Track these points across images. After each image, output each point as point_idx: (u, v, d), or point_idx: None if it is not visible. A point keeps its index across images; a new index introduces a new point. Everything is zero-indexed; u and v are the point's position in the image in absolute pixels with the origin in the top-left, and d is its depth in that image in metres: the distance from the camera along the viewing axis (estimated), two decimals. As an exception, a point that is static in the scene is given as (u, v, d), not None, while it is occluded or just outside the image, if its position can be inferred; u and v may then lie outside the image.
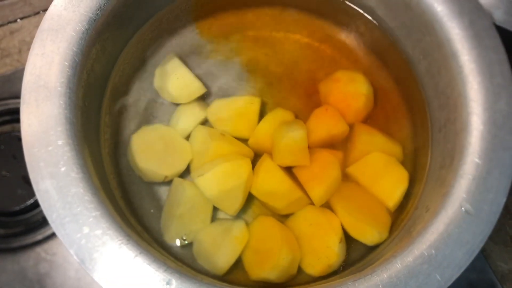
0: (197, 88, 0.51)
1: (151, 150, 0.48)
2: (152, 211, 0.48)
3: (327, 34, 0.56)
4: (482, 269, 0.54)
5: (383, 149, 0.48)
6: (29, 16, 0.64)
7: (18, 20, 0.64)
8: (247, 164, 0.47)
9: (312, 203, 0.47)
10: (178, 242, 0.46)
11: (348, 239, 0.46)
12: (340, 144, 0.51)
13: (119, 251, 0.34)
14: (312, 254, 0.45)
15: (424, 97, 0.49)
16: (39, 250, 0.52)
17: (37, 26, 0.42)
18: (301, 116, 0.52)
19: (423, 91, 0.49)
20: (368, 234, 0.45)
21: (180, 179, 0.48)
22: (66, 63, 0.39)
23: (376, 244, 0.45)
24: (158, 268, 0.34)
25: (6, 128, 0.57)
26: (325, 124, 0.49)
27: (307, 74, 0.54)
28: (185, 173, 0.49)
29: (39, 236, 0.52)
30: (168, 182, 0.48)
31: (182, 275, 0.34)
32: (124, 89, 0.51)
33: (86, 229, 0.35)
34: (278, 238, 0.44)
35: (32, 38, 0.40)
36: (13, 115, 0.57)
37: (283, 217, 0.47)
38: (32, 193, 0.52)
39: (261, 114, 0.51)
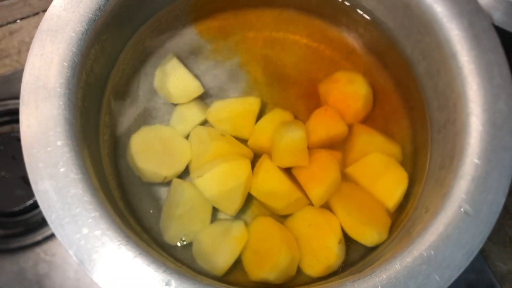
0: (196, 88, 0.51)
1: (151, 151, 0.48)
2: (151, 211, 0.48)
3: (326, 35, 0.56)
4: (481, 270, 0.54)
5: (383, 150, 0.48)
6: (28, 16, 0.64)
7: (18, 21, 0.64)
8: (246, 164, 0.47)
9: (311, 204, 0.47)
10: (177, 243, 0.46)
11: (348, 240, 0.46)
12: (339, 145, 0.51)
13: (118, 251, 0.34)
14: (312, 255, 0.45)
15: (424, 97, 0.49)
16: (38, 250, 0.52)
17: (36, 26, 0.42)
18: (301, 116, 0.52)
19: (423, 92, 0.49)
20: (367, 235, 0.45)
21: (179, 180, 0.48)
22: (65, 63, 0.39)
23: (375, 244, 0.45)
24: (158, 268, 0.34)
25: (5, 128, 0.57)
26: (325, 124, 0.49)
27: (306, 74, 0.54)
28: (185, 173, 0.49)
29: (38, 236, 0.52)
30: (167, 183, 0.48)
31: (182, 276, 0.34)
32: (123, 90, 0.51)
33: (85, 230, 0.35)
34: (278, 239, 0.44)
35: (32, 38, 0.40)
36: (13, 116, 0.57)
37: (282, 218, 0.47)
38: (31, 194, 0.52)
39: (261, 115, 0.51)
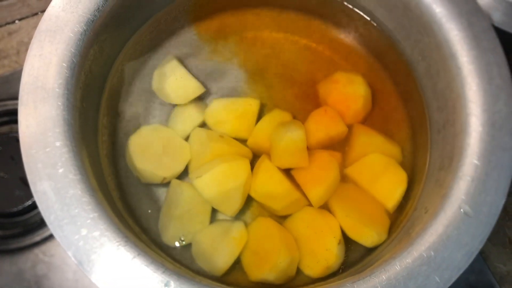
0: (196, 89, 0.51)
1: (149, 151, 0.48)
2: (150, 212, 0.48)
3: (326, 35, 0.56)
4: (480, 271, 0.54)
5: (382, 150, 0.48)
6: (27, 17, 0.64)
7: (16, 21, 0.64)
8: (245, 164, 0.47)
9: (310, 205, 0.47)
10: (176, 244, 0.46)
11: (347, 241, 0.46)
12: (338, 145, 0.50)
13: (117, 252, 0.34)
14: (311, 256, 0.45)
15: (423, 98, 0.49)
16: (37, 251, 0.52)
17: (35, 27, 0.42)
18: (300, 117, 0.51)
19: (422, 93, 0.49)
20: (367, 236, 0.45)
21: (178, 181, 0.47)
22: (64, 64, 0.39)
23: (375, 245, 0.45)
24: (156, 269, 0.34)
25: (4, 129, 0.57)
26: (324, 125, 0.49)
27: (305, 75, 0.54)
28: (184, 174, 0.49)
29: (37, 237, 0.52)
30: (166, 184, 0.48)
31: (181, 277, 0.34)
32: (122, 90, 0.51)
33: (84, 231, 0.35)
34: (277, 240, 0.44)
35: (30, 39, 0.40)
36: (11, 116, 0.57)
37: (281, 219, 0.47)
38: (30, 195, 0.52)
39: (260, 115, 0.51)
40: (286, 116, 0.50)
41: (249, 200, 0.48)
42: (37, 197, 0.35)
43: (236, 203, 0.46)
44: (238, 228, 0.45)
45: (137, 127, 0.50)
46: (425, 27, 0.45)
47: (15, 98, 0.57)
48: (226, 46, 0.55)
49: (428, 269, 0.35)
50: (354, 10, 0.54)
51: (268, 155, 0.48)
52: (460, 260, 0.36)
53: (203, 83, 0.52)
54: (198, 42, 0.55)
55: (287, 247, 0.44)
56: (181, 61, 0.52)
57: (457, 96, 0.42)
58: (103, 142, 0.48)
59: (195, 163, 0.48)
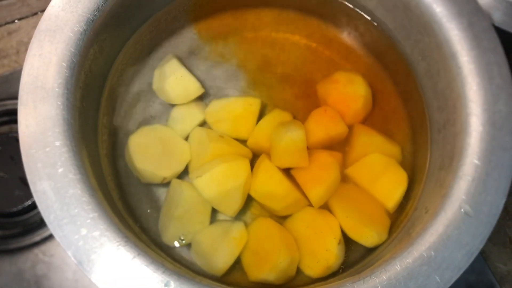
0: (196, 89, 0.51)
1: (149, 151, 0.48)
2: (150, 212, 0.48)
3: (326, 35, 0.56)
4: (481, 271, 0.54)
5: (382, 150, 0.48)
6: (27, 17, 0.64)
7: (16, 21, 0.64)
8: (245, 164, 0.47)
9: (310, 205, 0.47)
10: (176, 243, 0.46)
11: (347, 241, 0.46)
12: (339, 145, 0.50)
13: (117, 252, 0.34)
14: (311, 256, 0.45)
15: (423, 98, 0.49)
16: (37, 251, 0.52)
17: (35, 26, 0.42)
18: (300, 117, 0.51)
19: (422, 92, 0.49)
20: (367, 236, 0.45)
21: (178, 180, 0.47)
22: (63, 64, 0.39)
23: (375, 245, 0.45)
24: (156, 269, 0.34)
25: (4, 129, 0.57)
26: (324, 125, 0.49)
27: (305, 75, 0.54)
28: (184, 174, 0.49)
29: (36, 237, 0.52)
30: (166, 184, 0.48)
31: (181, 277, 0.34)
32: (122, 90, 0.51)
33: (84, 231, 0.34)
34: (277, 240, 0.44)
35: (30, 38, 0.40)
36: (11, 116, 0.57)
37: (281, 219, 0.47)
38: (29, 194, 0.52)
39: (260, 115, 0.51)
40: (286, 116, 0.50)
41: (249, 200, 0.48)
42: (37, 197, 0.35)
43: (236, 203, 0.46)
44: (238, 228, 0.45)
45: (137, 126, 0.50)
46: (425, 26, 0.45)
47: (15, 97, 0.57)
48: (226, 46, 0.55)
49: (429, 269, 0.35)
50: (354, 10, 0.54)
51: (268, 155, 0.48)
52: (461, 260, 0.36)
53: (203, 83, 0.52)
54: (198, 42, 0.55)
55: (287, 247, 0.44)
56: (181, 61, 0.52)
57: (457, 96, 0.42)
58: (103, 142, 0.48)
59: (195, 163, 0.48)
